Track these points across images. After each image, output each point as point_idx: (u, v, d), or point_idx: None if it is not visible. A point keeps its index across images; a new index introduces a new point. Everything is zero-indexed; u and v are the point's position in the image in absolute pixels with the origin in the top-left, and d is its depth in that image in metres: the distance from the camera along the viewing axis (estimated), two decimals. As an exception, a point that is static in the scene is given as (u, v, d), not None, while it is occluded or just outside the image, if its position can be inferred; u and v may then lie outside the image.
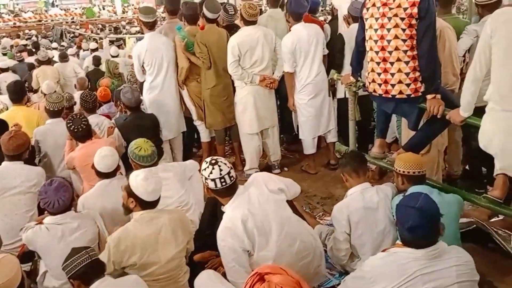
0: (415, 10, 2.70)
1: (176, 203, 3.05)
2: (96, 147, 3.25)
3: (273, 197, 2.55)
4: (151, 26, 4.30)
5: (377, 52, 2.89)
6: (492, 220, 3.18)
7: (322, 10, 13.52)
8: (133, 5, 27.37)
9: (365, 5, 2.98)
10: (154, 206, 2.52)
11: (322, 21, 6.82)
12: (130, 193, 2.47)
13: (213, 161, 2.44)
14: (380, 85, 2.95)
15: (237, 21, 4.75)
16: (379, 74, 2.92)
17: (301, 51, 4.10)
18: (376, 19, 2.86)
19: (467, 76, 2.53)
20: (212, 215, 3.06)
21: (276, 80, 4.26)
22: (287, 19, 4.32)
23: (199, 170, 3.71)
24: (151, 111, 4.25)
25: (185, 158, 4.48)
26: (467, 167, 3.94)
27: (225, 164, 2.45)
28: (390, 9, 2.79)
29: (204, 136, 4.66)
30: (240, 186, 2.53)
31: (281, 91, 4.77)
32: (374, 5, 2.88)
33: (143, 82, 4.42)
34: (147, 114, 4.19)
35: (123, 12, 25.80)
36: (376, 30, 2.86)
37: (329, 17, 6.53)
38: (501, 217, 3.07)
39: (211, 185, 2.43)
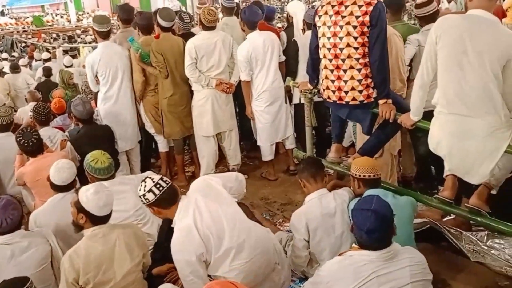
0: (367, 18, 2.76)
1: (133, 217, 2.98)
2: (48, 161, 3.15)
3: (218, 196, 2.57)
4: (105, 35, 4.22)
5: (330, 60, 2.95)
6: (445, 219, 3.29)
7: (279, 17, 13.67)
8: (88, 13, 26.75)
9: (317, 12, 3.03)
10: (106, 221, 2.45)
11: (279, 27, 6.92)
12: (80, 208, 2.39)
13: (144, 178, 2.48)
14: (334, 92, 3.00)
15: (194, 29, 4.74)
16: (332, 81, 2.98)
17: (256, 59, 4.13)
18: (329, 27, 2.90)
19: (415, 81, 2.62)
20: (170, 227, 3.02)
21: (233, 85, 4.26)
22: (242, 28, 4.34)
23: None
24: (106, 122, 4.16)
25: (143, 169, 4.41)
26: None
27: (153, 175, 2.51)
28: (343, 17, 2.84)
29: (162, 146, 4.60)
30: (183, 196, 2.52)
31: (240, 98, 4.79)
32: (326, 13, 2.92)
33: (98, 92, 4.32)
34: (101, 126, 4.09)
35: (78, 21, 25.17)
36: (329, 38, 2.91)
37: (286, 24, 6.62)
38: (452, 216, 3.18)
39: (151, 196, 2.41)
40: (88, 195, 2.37)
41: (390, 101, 2.90)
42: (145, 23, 4.39)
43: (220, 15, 5.64)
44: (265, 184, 4.40)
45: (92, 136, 3.82)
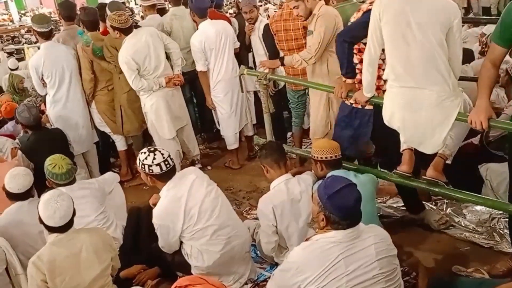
0: None
1: (96, 222, 2.92)
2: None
3: (210, 181, 2.79)
4: (47, 35, 4.02)
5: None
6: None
7: (230, 3, 13.52)
8: (32, 10, 25.56)
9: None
10: (65, 230, 2.35)
11: (231, 14, 6.83)
12: (40, 219, 2.33)
13: (152, 149, 2.66)
14: None
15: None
16: None
17: (210, 49, 4.07)
18: None
19: (364, 59, 2.65)
20: (136, 228, 2.97)
21: (181, 75, 4.15)
22: (193, 18, 4.24)
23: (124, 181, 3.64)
24: (58, 126, 4.01)
25: (102, 170, 4.31)
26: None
27: (162, 149, 2.69)
28: None
29: (121, 145, 4.48)
30: (177, 173, 2.72)
31: (197, 88, 4.73)
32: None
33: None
34: (52, 130, 3.95)
35: (21, 20, 24.02)
36: None
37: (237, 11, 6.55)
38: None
39: (157, 170, 2.60)
40: (41, 207, 2.30)
41: (346, 80, 2.92)
42: (90, 19, 4.23)
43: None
44: (230, 174, 4.39)
45: (44, 141, 3.67)
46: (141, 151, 2.67)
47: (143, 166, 2.62)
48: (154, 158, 2.59)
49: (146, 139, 4.43)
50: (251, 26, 4.43)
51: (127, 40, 3.84)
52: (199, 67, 4.16)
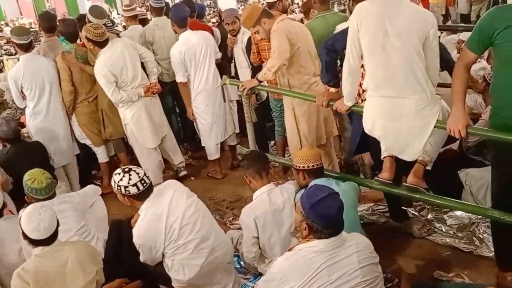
0: None
1: (77, 236, 2.86)
2: (-23, 187, 2.94)
3: (189, 192, 2.73)
4: (26, 47, 3.97)
5: None
6: (387, 198, 3.40)
7: (213, 12, 13.57)
8: (12, 20, 25.21)
9: None
10: (50, 242, 2.32)
11: (213, 23, 6.86)
12: (23, 233, 2.29)
13: (126, 169, 2.56)
14: None
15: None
16: None
17: (190, 60, 4.06)
18: None
19: (343, 69, 2.67)
20: (117, 241, 2.93)
21: (157, 84, 4.15)
22: (173, 28, 4.23)
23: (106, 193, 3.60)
24: (38, 138, 3.94)
25: (83, 182, 4.25)
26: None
27: (137, 167, 2.61)
28: None
29: (102, 157, 4.43)
30: (155, 188, 2.64)
31: (180, 98, 4.72)
32: None
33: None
34: (32, 143, 3.88)
35: (0, 31, 23.69)
36: None
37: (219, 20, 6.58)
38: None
39: (134, 190, 2.52)
40: (23, 219, 2.27)
41: (330, 89, 2.96)
42: (70, 31, 4.21)
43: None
44: (213, 183, 4.38)
45: (23, 155, 3.59)
46: (115, 172, 2.59)
47: (119, 188, 2.55)
48: (129, 179, 2.51)
49: (127, 144, 4.40)
50: (233, 38, 4.44)
51: (103, 53, 3.83)
52: (179, 79, 4.15)
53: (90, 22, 4.08)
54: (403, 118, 2.51)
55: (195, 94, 4.20)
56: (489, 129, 2.42)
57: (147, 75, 4.16)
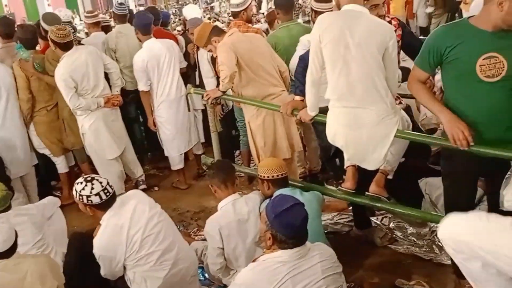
0: None
1: (34, 250, 2.75)
2: None
3: (152, 203, 2.71)
4: (-19, 54, 3.84)
5: None
6: (350, 207, 3.46)
7: (179, 20, 13.50)
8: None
9: None
10: (8, 255, 2.24)
11: (179, 31, 6.82)
12: None
13: (89, 178, 2.54)
14: None
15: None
16: None
17: (153, 68, 4.01)
18: None
19: (306, 80, 2.70)
20: (77, 255, 2.84)
21: (119, 96, 4.09)
22: (137, 36, 4.18)
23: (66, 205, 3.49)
24: (-6, 148, 3.78)
25: (42, 193, 4.09)
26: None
27: (100, 177, 2.59)
28: None
29: (62, 167, 4.29)
30: (118, 198, 2.62)
31: (140, 105, 4.65)
32: None
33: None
34: (-15, 153, 3.72)
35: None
36: None
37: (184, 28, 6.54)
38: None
39: (96, 200, 2.50)
40: None
41: (295, 97, 3.01)
42: (28, 37, 4.07)
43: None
44: (177, 194, 4.32)
45: (-23, 165, 3.46)
46: (77, 181, 2.55)
47: (80, 197, 2.52)
48: (92, 188, 2.48)
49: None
50: (193, 45, 4.40)
51: (66, 57, 3.75)
52: (141, 87, 4.11)
53: (44, 30, 4.00)
54: (364, 128, 2.56)
55: (158, 103, 4.15)
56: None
57: (110, 86, 4.08)
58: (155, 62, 4.00)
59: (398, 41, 2.78)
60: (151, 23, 4.17)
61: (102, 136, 3.96)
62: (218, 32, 3.34)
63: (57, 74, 3.74)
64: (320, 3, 3.73)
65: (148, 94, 4.13)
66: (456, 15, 8.45)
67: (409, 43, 2.95)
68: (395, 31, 2.69)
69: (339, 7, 2.56)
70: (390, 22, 2.83)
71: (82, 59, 3.79)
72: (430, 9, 8.28)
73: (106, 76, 4.07)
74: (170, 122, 4.19)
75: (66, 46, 3.72)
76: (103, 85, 3.94)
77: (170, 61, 4.08)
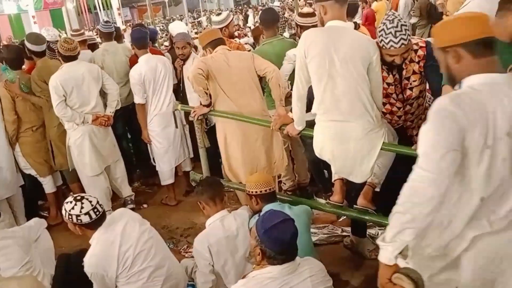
0: None
1: (21, 273, 2.70)
2: None
3: (142, 220, 2.74)
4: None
5: None
6: (340, 220, 3.47)
7: (166, 35, 13.56)
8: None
9: None
10: None
11: (166, 46, 6.84)
12: None
13: (78, 197, 2.54)
14: None
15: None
16: None
17: (149, 82, 4.06)
18: None
19: (292, 94, 2.73)
20: (66, 277, 2.81)
21: (111, 117, 4.09)
22: (134, 51, 4.25)
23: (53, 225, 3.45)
24: (-22, 170, 3.74)
25: (30, 213, 4.05)
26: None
27: (89, 195, 2.60)
28: None
29: (49, 187, 4.26)
30: (108, 216, 2.64)
31: (132, 123, 4.64)
32: None
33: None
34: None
35: None
36: None
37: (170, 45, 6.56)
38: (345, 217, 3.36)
39: (86, 219, 2.51)
40: None
41: (289, 113, 2.99)
42: (14, 57, 4.06)
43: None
44: (166, 211, 4.30)
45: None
46: (66, 201, 2.55)
47: (70, 217, 2.52)
48: (82, 207, 2.50)
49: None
50: (180, 61, 4.44)
51: (65, 66, 3.84)
52: (137, 100, 4.14)
53: (29, 50, 4.05)
54: (351, 141, 2.58)
55: (151, 117, 4.18)
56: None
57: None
58: (151, 76, 4.06)
59: (421, 73, 2.67)
60: (146, 37, 4.23)
61: (84, 152, 3.97)
62: (214, 45, 3.34)
63: (51, 79, 3.79)
64: (304, 18, 3.79)
65: (144, 107, 4.16)
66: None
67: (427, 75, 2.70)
68: (419, 62, 2.63)
69: (323, 23, 2.59)
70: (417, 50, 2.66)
71: (79, 72, 3.85)
72: (414, 20, 8.38)
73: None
74: (163, 136, 4.22)
75: (67, 59, 3.82)
76: (95, 103, 3.96)
77: (165, 75, 4.13)
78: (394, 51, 2.52)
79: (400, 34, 2.48)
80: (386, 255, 1.71)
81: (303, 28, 3.80)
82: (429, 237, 1.75)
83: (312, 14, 3.78)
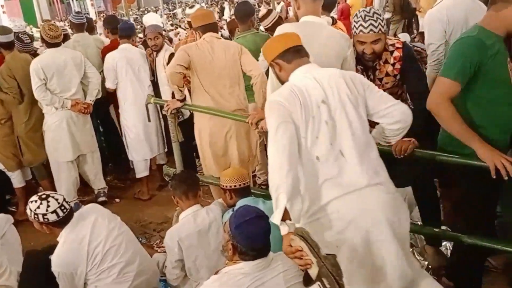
0: None
1: (-15, 272, 2.64)
2: None
3: (111, 215, 2.69)
4: None
5: None
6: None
7: (141, 26, 13.35)
8: None
9: None
10: None
11: (140, 38, 6.73)
12: None
13: (43, 196, 2.48)
14: None
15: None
16: None
17: (124, 69, 4.07)
18: None
19: (267, 89, 2.71)
20: (33, 274, 2.74)
21: (90, 105, 4.06)
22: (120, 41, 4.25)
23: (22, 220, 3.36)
24: None
25: (-2, 209, 3.94)
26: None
27: (55, 194, 2.55)
28: None
29: (17, 181, 4.16)
30: (75, 213, 2.57)
31: (102, 116, 4.57)
32: None
33: None
34: None
35: None
36: None
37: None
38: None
39: (53, 217, 2.45)
40: None
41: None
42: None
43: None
44: (139, 205, 4.25)
45: None
46: (30, 200, 2.48)
47: (36, 216, 2.45)
48: (48, 206, 2.43)
49: (47, 167, 4.20)
50: (149, 50, 4.40)
51: (48, 51, 3.86)
52: (108, 84, 4.16)
53: None
54: None
55: (126, 106, 4.18)
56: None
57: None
58: (125, 63, 4.08)
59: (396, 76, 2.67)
60: (133, 29, 4.40)
61: (60, 137, 3.94)
62: (204, 30, 3.24)
63: (33, 62, 3.82)
64: (263, 21, 3.94)
65: (114, 93, 4.20)
66: (413, 21, 8.73)
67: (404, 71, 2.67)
68: (394, 64, 2.62)
69: (297, 18, 2.58)
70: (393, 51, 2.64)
71: (61, 59, 3.86)
72: (388, 15, 8.48)
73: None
74: (136, 126, 4.20)
75: (51, 46, 3.86)
76: (75, 90, 3.96)
77: (143, 66, 4.17)
78: (362, 36, 2.51)
79: (370, 19, 2.48)
80: (277, 222, 1.85)
81: (268, 30, 3.82)
82: (304, 200, 1.99)
83: (267, 14, 3.88)
